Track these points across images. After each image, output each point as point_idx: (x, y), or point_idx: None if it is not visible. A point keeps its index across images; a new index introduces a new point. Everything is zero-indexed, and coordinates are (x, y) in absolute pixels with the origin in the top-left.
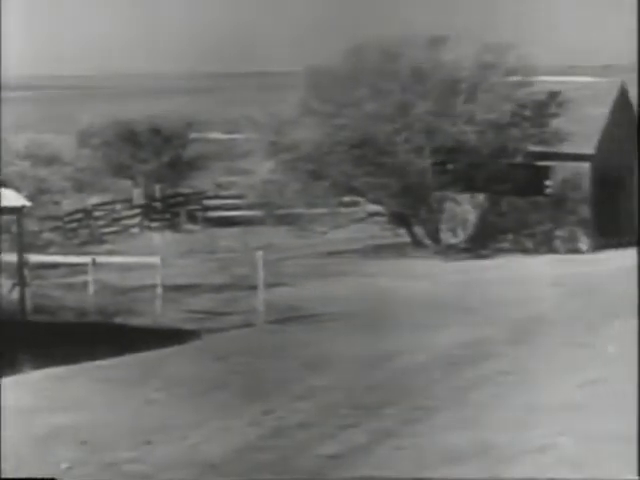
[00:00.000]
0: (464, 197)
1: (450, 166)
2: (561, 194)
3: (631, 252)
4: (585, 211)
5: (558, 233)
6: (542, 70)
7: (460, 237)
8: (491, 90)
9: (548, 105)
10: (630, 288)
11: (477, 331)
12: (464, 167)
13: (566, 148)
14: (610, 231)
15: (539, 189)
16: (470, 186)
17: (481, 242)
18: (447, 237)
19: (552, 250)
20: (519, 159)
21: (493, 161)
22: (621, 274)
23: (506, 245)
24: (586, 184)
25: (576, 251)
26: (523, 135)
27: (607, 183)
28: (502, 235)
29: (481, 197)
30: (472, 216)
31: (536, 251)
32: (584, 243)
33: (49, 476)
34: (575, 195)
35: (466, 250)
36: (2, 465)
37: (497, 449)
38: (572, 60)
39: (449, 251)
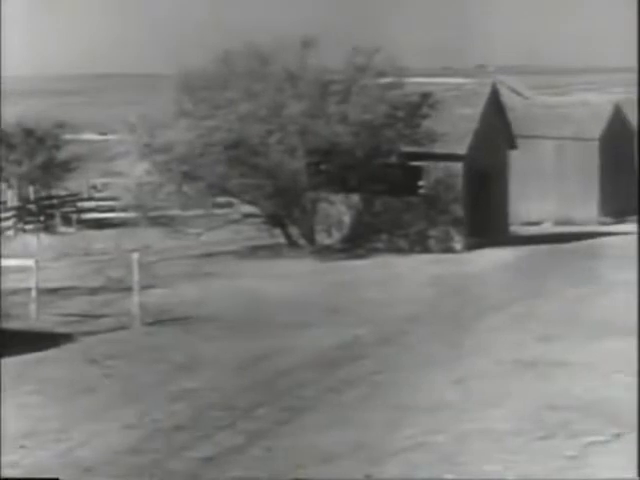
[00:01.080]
0: (338, 198)
1: (324, 167)
2: (434, 194)
3: (503, 251)
4: (458, 210)
5: (432, 233)
6: (414, 72)
7: (335, 237)
8: (363, 91)
9: (421, 106)
10: (502, 286)
11: (350, 331)
12: (338, 168)
13: (438, 148)
14: (483, 230)
15: (413, 189)
16: (344, 187)
17: (356, 242)
18: (322, 238)
19: (426, 250)
20: (393, 159)
21: (367, 162)
22: (493, 272)
23: (380, 245)
24: (459, 184)
25: (450, 250)
26: (396, 136)
27: (479, 183)
28: (376, 235)
29: (355, 197)
30: (346, 216)
31: (410, 251)
32: (457, 242)
33: None
34: (448, 195)
35: (341, 250)
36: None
37: (369, 448)
38: (444, 61)
39: (324, 251)
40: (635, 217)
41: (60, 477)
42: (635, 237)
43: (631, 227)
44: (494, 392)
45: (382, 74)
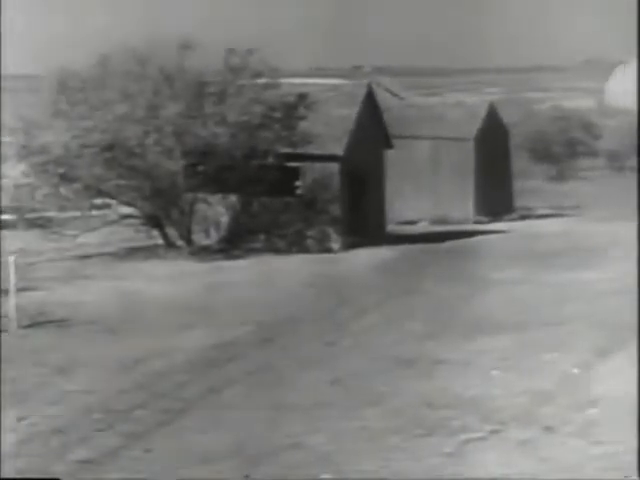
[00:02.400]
0: (216, 199)
1: (202, 168)
2: (312, 194)
3: (380, 250)
4: (335, 210)
5: (309, 233)
6: (290, 72)
7: (213, 238)
8: (240, 93)
9: (297, 107)
10: (379, 285)
11: (227, 332)
12: (216, 169)
13: (315, 149)
14: (360, 230)
15: (290, 190)
16: (222, 188)
17: (234, 243)
18: (200, 238)
19: (304, 250)
20: (270, 160)
21: (245, 163)
22: (370, 272)
23: (258, 245)
24: (336, 184)
25: (327, 250)
26: (274, 137)
27: (356, 183)
28: (254, 236)
29: (233, 198)
30: (224, 217)
31: (288, 251)
32: (335, 242)
33: None
34: (325, 195)
35: (219, 251)
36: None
37: (248, 448)
38: (321, 62)
39: (202, 252)
40: (510, 216)
41: None
42: (510, 235)
43: (506, 225)
44: (372, 391)
45: (258, 75)
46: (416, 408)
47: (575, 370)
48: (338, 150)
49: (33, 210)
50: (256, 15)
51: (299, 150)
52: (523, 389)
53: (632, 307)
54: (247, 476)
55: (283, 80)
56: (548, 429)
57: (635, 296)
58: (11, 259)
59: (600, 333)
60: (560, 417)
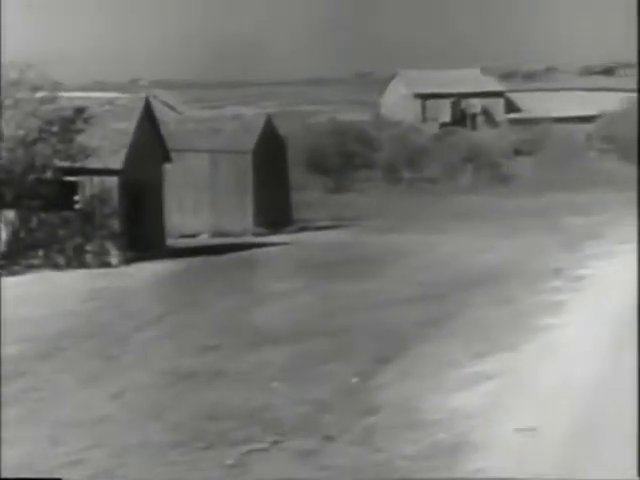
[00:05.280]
0: None
1: None
2: (90, 209)
3: (160, 264)
4: (114, 225)
5: (89, 247)
6: (69, 86)
7: None
8: (17, 106)
9: (74, 121)
10: (159, 298)
11: (4, 349)
12: None
13: (94, 163)
14: (140, 243)
15: (69, 204)
16: (0, 203)
17: (12, 259)
18: None
19: (83, 264)
20: (49, 175)
21: (23, 177)
22: (150, 285)
23: (37, 261)
24: (114, 198)
25: (106, 265)
26: (51, 151)
27: (135, 196)
28: (33, 251)
29: (11, 214)
30: (2, 233)
31: (67, 266)
32: (114, 256)
33: None
34: (104, 209)
35: None
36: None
37: (34, 465)
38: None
39: None
40: (289, 228)
41: None
42: (289, 246)
43: (285, 237)
44: (153, 404)
45: (36, 88)
46: (197, 421)
47: (354, 379)
48: (116, 164)
49: None
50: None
51: (78, 164)
52: (303, 399)
53: (408, 316)
54: None
55: (62, 94)
56: (328, 438)
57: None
58: None
59: (379, 342)
60: (340, 426)
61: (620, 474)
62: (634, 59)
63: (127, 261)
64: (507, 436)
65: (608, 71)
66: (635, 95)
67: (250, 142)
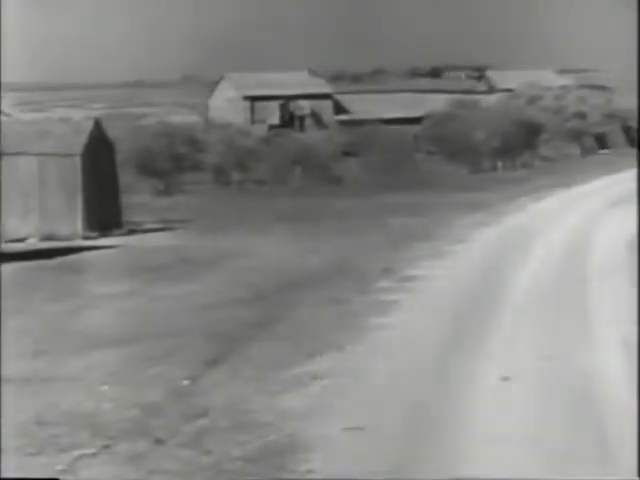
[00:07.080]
0: None
1: None
2: None
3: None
4: None
5: None
6: None
7: None
8: None
9: None
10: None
11: None
12: None
13: None
14: None
15: None
16: None
17: None
18: None
19: None
20: None
21: None
22: None
23: None
24: None
25: None
26: None
27: None
28: None
29: None
30: None
31: None
32: None
33: None
34: None
35: None
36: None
37: None
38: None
39: None
40: (119, 231)
41: None
42: (119, 249)
43: (115, 240)
44: None
45: None
46: (27, 427)
47: (185, 382)
48: None
49: None
50: None
51: None
52: (133, 403)
53: (237, 318)
54: None
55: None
56: (158, 441)
57: None
58: None
59: (208, 345)
60: (170, 429)
61: (450, 473)
62: (459, 61)
63: None
64: (337, 436)
65: (435, 73)
66: (459, 96)
67: (79, 145)
